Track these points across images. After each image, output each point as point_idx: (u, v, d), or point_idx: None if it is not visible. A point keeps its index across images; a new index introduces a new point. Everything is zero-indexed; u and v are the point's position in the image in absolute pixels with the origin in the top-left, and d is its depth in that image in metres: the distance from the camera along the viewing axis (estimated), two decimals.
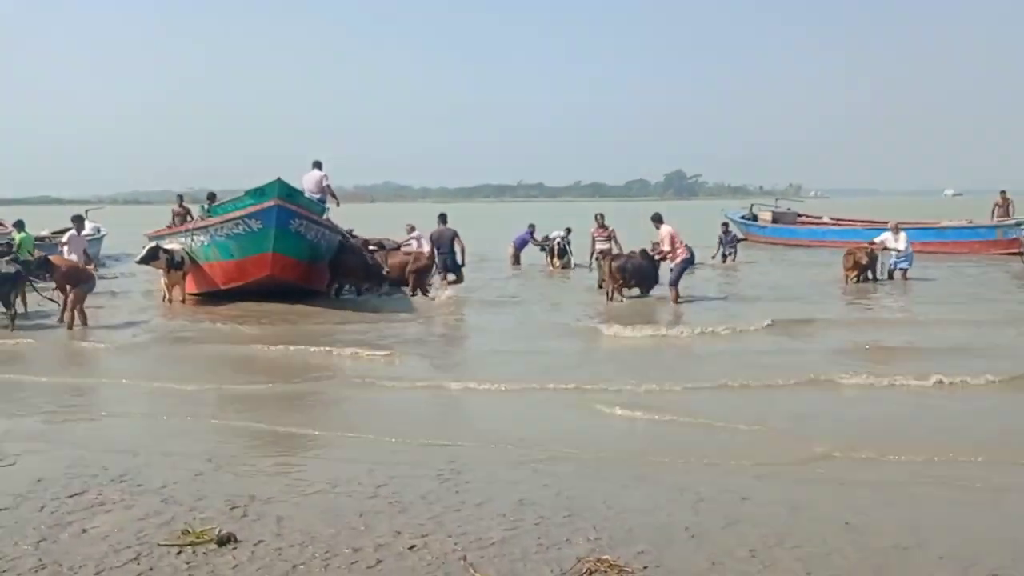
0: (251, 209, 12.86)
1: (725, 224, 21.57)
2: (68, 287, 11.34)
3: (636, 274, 13.46)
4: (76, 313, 11.22)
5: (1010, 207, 23.73)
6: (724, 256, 20.37)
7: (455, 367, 9.30)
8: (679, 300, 13.15)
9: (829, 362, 8.72)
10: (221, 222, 13.28)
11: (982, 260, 20.13)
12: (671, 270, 13.41)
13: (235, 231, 13.11)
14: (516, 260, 20.57)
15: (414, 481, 5.17)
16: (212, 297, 13.87)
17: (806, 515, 4.57)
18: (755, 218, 29.86)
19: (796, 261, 21.11)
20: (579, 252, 19.40)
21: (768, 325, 10.98)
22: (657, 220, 13.81)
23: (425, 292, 14.31)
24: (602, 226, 16.65)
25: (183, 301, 13.81)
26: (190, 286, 14.12)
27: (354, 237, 16.22)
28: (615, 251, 16.20)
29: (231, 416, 6.94)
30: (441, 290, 14.42)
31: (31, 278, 12.00)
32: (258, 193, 12.90)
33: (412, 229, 18.44)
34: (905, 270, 16.14)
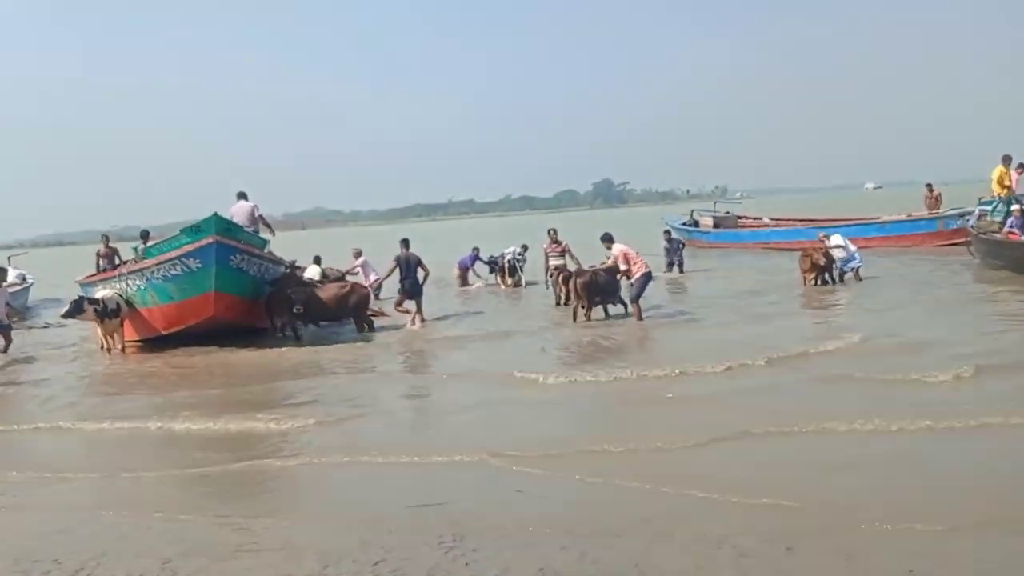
0: (188, 248, 12.07)
1: (668, 232, 21.35)
2: None
3: (603, 291, 13.02)
4: None
5: (940, 199, 24.25)
6: (671, 265, 20.02)
7: (424, 430, 7.87)
8: (642, 317, 12.80)
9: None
10: (157, 264, 12.42)
11: (926, 253, 20.34)
12: (631, 286, 13.03)
13: (173, 272, 12.30)
14: (464, 281, 20.12)
15: (414, 552, 4.57)
16: (154, 343, 13.00)
17: (861, 565, 4.12)
18: (696, 224, 29.91)
19: (749, 266, 20.93)
20: (531, 269, 18.98)
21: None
22: (608, 240, 13.36)
23: (369, 326, 13.54)
24: (555, 241, 16.16)
25: (122, 350, 12.87)
26: (129, 332, 13.19)
27: (298, 268, 15.49)
28: (570, 267, 15.81)
29: (187, 507, 5.75)
30: (412, 324, 13.67)
31: None
32: (194, 230, 12.12)
33: (359, 254, 17.77)
34: (857, 269, 16.07)
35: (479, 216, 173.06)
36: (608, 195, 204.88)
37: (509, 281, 19.03)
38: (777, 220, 29.46)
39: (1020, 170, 16.31)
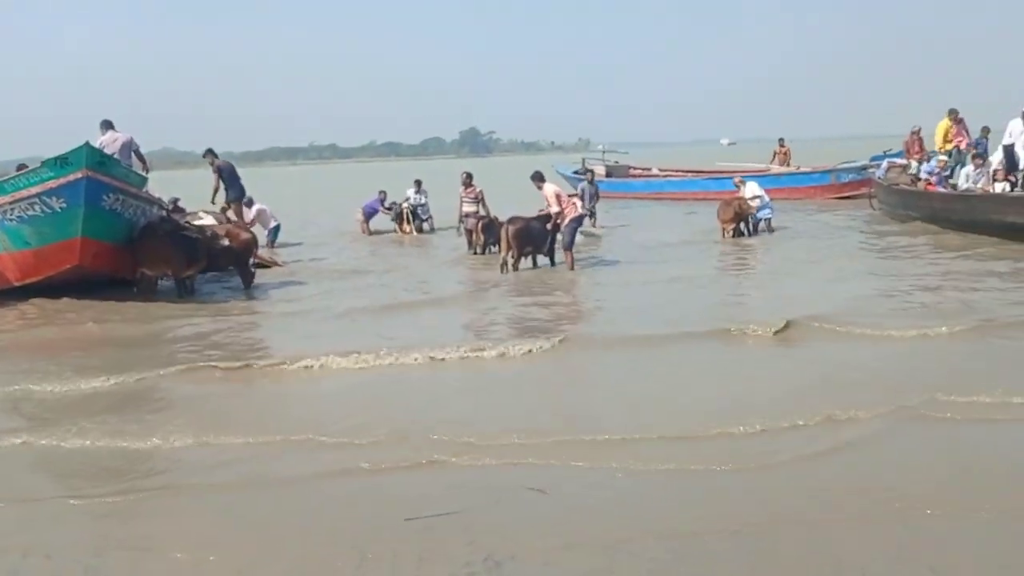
0: (51, 184, 10.02)
1: (590, 172, 19.56)
2: None
3: (536, 239, 12.00)
4: None
5: (789, 154, 25.16)
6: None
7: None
8: (575, 266, 11.95)
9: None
10: (12, 202, 10.28)
11: (820, 205, 20.51)
12: (562, 233, 12.11)
13: (30, 212, 10.23)
14: (367, 229, 18.45)
15: None
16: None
17: None
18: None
19: (656, 216, 20.47)
20: (441, 214, 17.65)
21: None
22: (539, 179, 12.39)
23: (250, 280, 11.53)
24: (469, 186, 14.92)
25: None
26: None
27: (180, 211, 13.65)
28: (482, 213, 14.70)
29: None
30: None
31: None
32: (60, 163, 10.04)
33: (250, 202, 15.97)
34: (769, 220, 15.76)
35: (342, 161, 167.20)
36: (474, 144, 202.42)
37: (408, 228, 17.68)
38: (666, 171, 29.27)
39: (961, 124, 16.20)
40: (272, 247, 15.82)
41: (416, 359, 7.09)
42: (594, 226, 17.02)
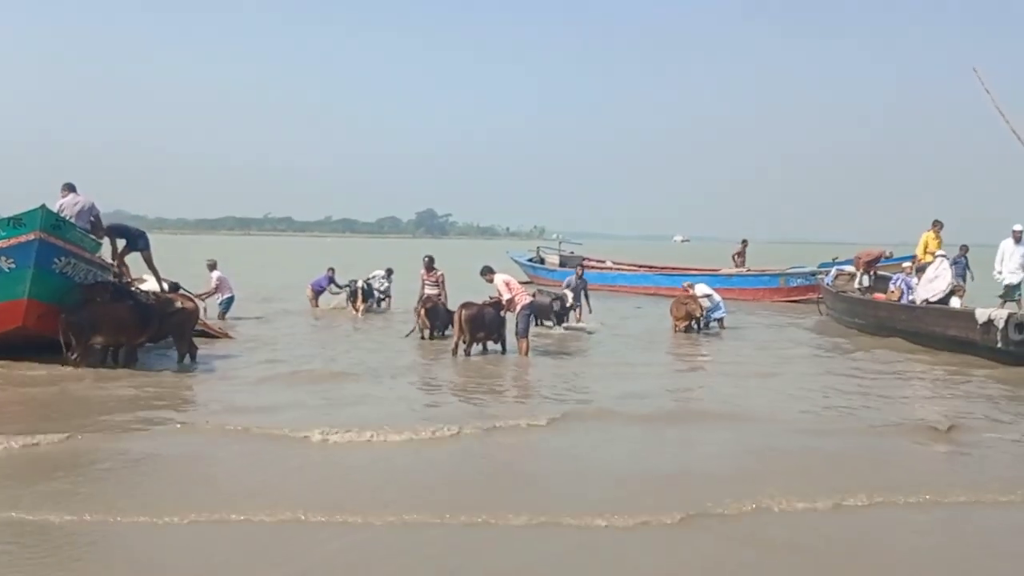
0: (2, 244, 9.87)
1: (579, 266, 17.90)
2: None
3: (489, 325, 12.03)
4: None
5: (743, 254, 25.68)
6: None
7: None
8: (528, 352, 12.01)
9: None
10: None
11: (771, 307, 21.00)
12: (516, 321, 12.19)
13: None
14: (315, 303, 18.58)
15: None
16: None
17: None
18: (542, 261, 29.74)
19: (609, 309, 20.68)
20: (401, 296, 17.88)
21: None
22: (488, 272, 12.60)
23: (191, 355, 11.04)
24: (431, 269, 14.97)
25: None
26: None
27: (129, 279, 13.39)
28: (443, 297, 14.72)
29: None
30: None
31: None
32: (12, 223, 9.91)
33: (214, 266, 16.01)
34: (721, 319, 16.10)
35: (297, 234, 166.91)
36: (430, 225, 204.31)
37: (361, 305, 17.65)
38: (619, 264, 29.78)
39: (939, 231, 16.25)
40: (223, 318, 15.59)
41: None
42: (579, 319, 15.95)
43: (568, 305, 15.60)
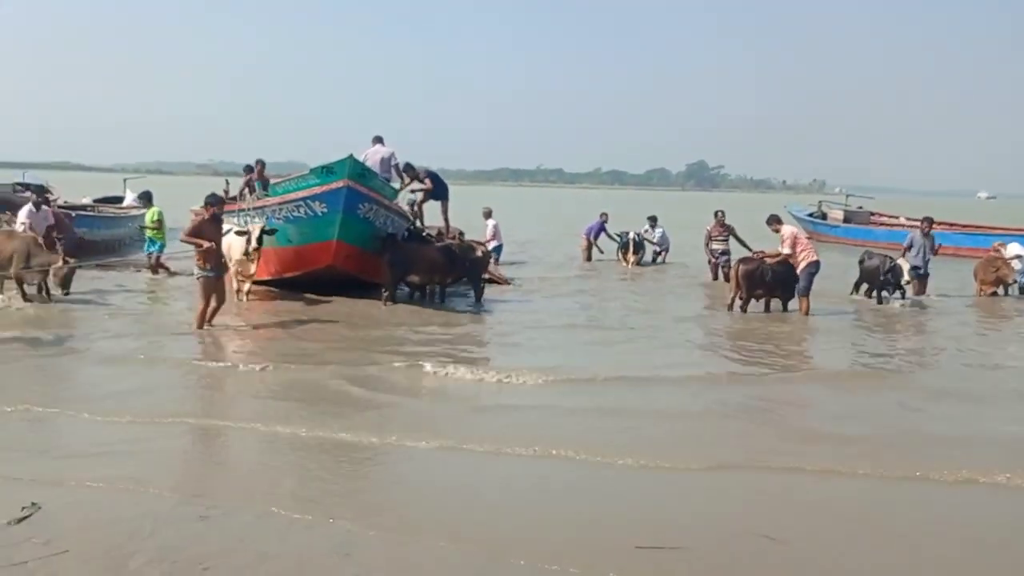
0: (316, 190, 11.03)
1: (925, 221, 13.83)
2: None
3: (768, 285, 11.48)
4: None
5: None
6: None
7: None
8: (809, 312, 11.32)
9: None
10: (280, 203, 11.45)
11: None
12: (798, 278, 11.54)
13: (296, 214, 11.30)
14: (589, 254, 18.85)
15: None
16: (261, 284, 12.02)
17: None
18: (824, 216, 27.89)
19: None
20: (678, 249, 17.94)
21: None
22: (775, 221, 12.08)
23: (479, 295, 11.95)
24: (722, 224, 14.68)
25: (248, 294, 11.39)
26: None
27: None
28: (735, 251, 14.29)
29: None
30: None
31: None
32: (325, 172, 11.02)
33: (489, 214, 17.02)
34: None
35: (567, 186, 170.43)
36: (700, 178, 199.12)
37: (632, 258, 17.69)
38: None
39: None
40: (496, 264, 16.36)
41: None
42: (919, 291, 13.04)
43: (905, 279, 12.40)
